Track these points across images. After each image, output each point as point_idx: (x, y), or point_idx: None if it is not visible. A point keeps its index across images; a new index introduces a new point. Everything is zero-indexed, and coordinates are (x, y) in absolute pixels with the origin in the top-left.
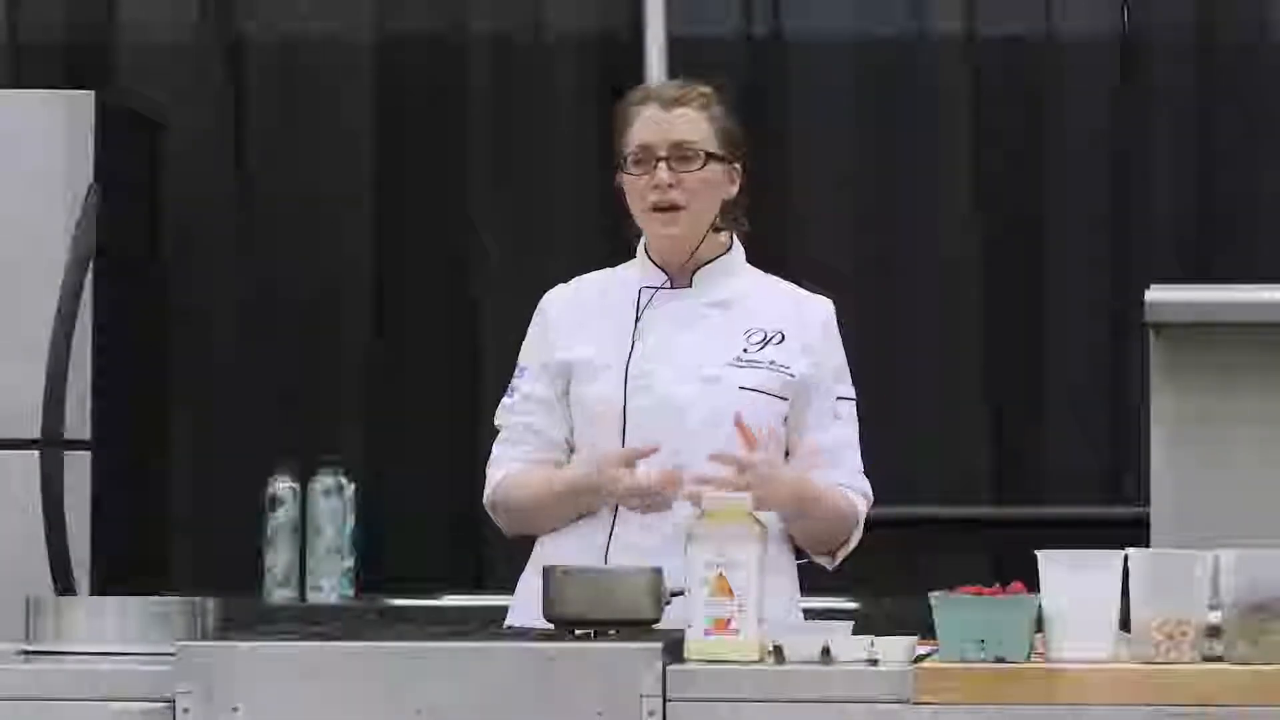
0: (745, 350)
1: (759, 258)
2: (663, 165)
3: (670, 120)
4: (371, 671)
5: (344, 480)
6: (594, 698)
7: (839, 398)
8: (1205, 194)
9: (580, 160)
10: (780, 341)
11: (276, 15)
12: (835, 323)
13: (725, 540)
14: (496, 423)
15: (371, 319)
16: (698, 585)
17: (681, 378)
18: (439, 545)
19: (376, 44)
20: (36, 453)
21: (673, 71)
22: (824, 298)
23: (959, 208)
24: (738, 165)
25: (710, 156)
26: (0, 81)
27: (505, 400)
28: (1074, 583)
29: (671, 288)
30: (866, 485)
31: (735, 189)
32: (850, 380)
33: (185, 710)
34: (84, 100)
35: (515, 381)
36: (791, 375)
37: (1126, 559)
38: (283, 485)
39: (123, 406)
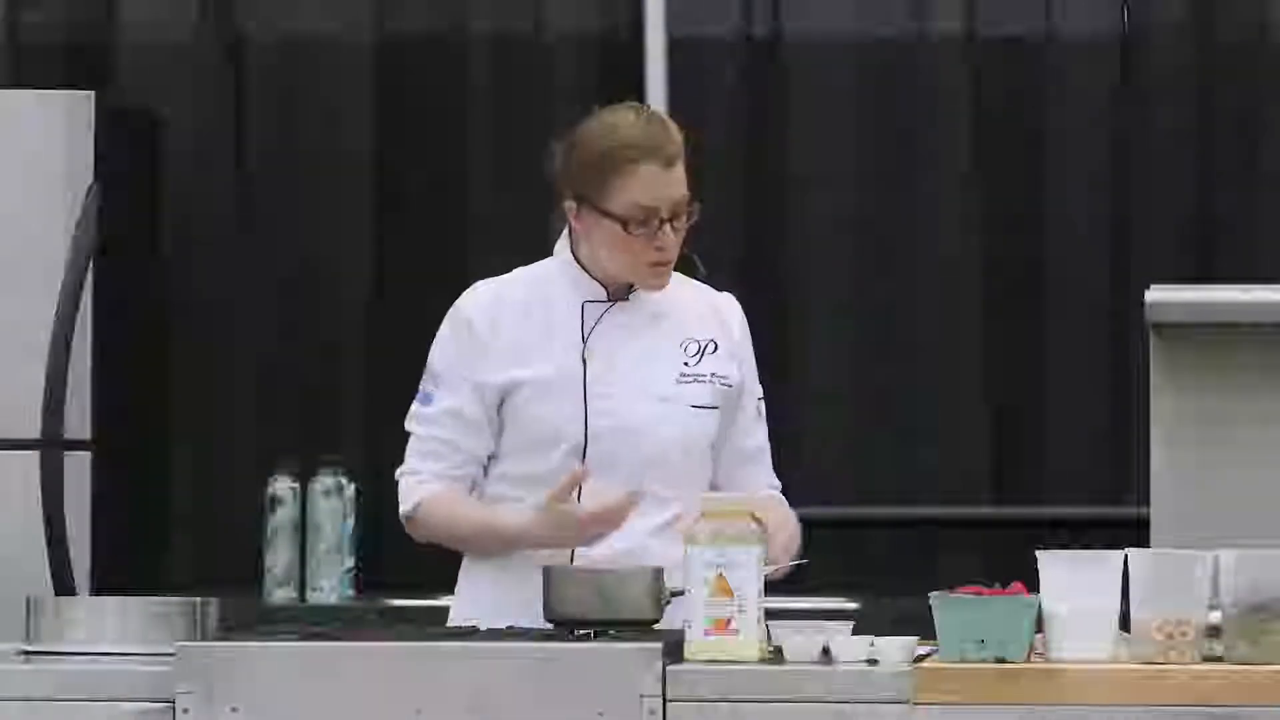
0: (686, 364)
1: (759, 258)
2: (667, 227)
3: (671, 180)
4: (371, 671)
5: (344, 480)
6: (594, 698)
7: (759, 397)
8: (1205, 194)
9: None
10: (714, 351)
11: (276, 15)
12: (744, 319)
13: (725, 540)
14: (409, 428)
15: (372, 319)
16: (698, 585)
17: (637, 397)
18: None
19: (376, 44)
20: (36, 453)
21: (673, 72)
22: (728, 294)
23: (959, 208)
24: None
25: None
26: (0, 81)
27: (420, 409)
28: (1074, 583)
29: (609, 300)
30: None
31: None
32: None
33: (185, 710)
34: (84, 100)
35: (430, 389)
36: (729, 385)
37: (1126, 559)
38: (283, 485)
39: (123, 406)
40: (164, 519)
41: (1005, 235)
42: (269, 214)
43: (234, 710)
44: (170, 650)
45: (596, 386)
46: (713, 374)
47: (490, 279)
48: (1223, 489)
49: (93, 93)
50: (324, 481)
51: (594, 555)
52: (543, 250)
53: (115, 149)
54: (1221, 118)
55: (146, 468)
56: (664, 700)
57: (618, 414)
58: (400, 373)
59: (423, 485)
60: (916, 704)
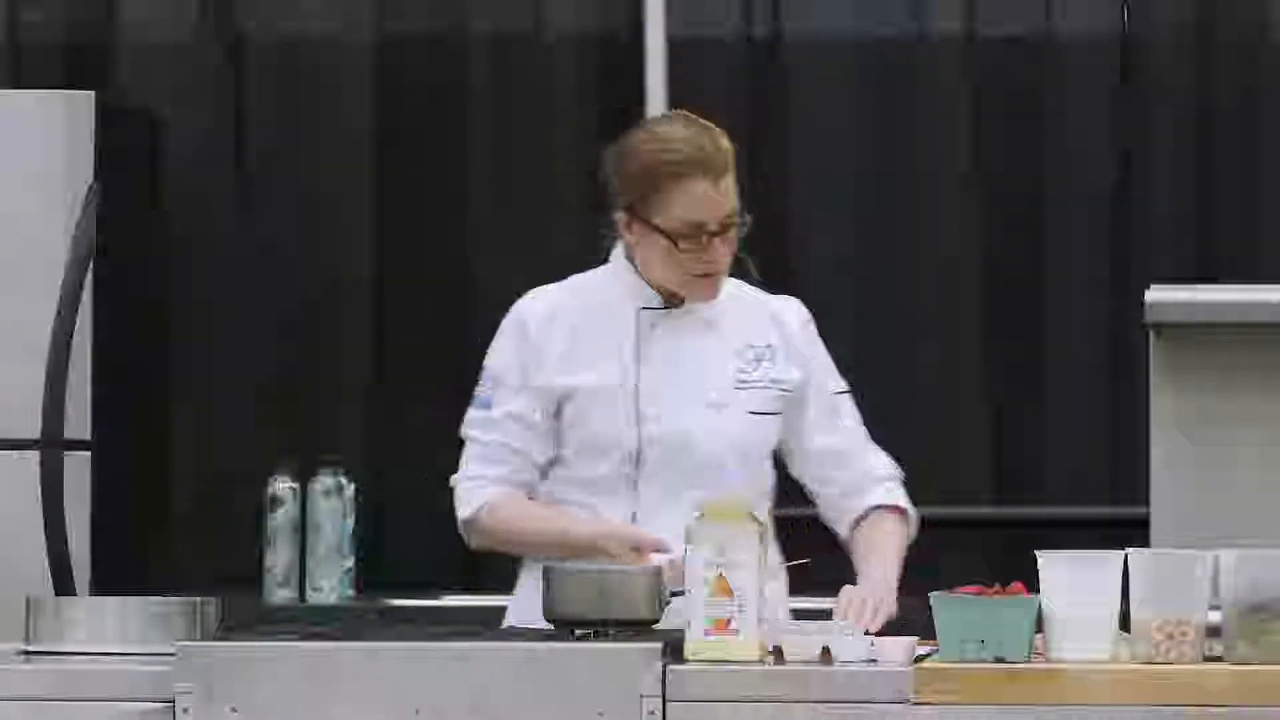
0: (744, 370)
1: (759, 258)
2: (717, 241)
3: (719, 194)
4: (371, 671)
5: (344, 480)
6: (594, 698)
7: (835, 393)
8: (1205, 194)
9: (580, 160)
10: (772, 357)
11: (276, 15)
12: (811, 320)
13: (725, 540)
14: (468, 433)
15: (371, 319)
16: (698, 585)
17: (690, 405)
18: (439, 545)
19: (376, 44)
20: (36, 453)
21: (673, 72)
22: (791, 297)
23: (959, 208)
24: None
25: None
26: (0, 81)
27: (478, 413)
28: (1074, 583)
29: (664, 306)
30: (888, 464)
31: None
32: (838, 372)
33: (185, 710)
34: (84, 100)
35: (489, 393)
36: (788, 390)
37: (1126, 559)
38: (283, 485)
39: (123, 406)
40: (164, 519)
41: (1005, 235)
42: (269, 214)
43: (234, 710)
44: (170, 650)
45: (649, 394)
46: (772, 380)
47: (547, 285)
48: (1223, 489)
49: (93, 93)
50: (324, 481)
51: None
52: (543, 250)
53: (115, 149)
54: (1221, 118)
55: (146, 468)
56: (664, 700)
57: (670, 421)
58: (400, 373)
59: (484, 490)
60: (916, 704)
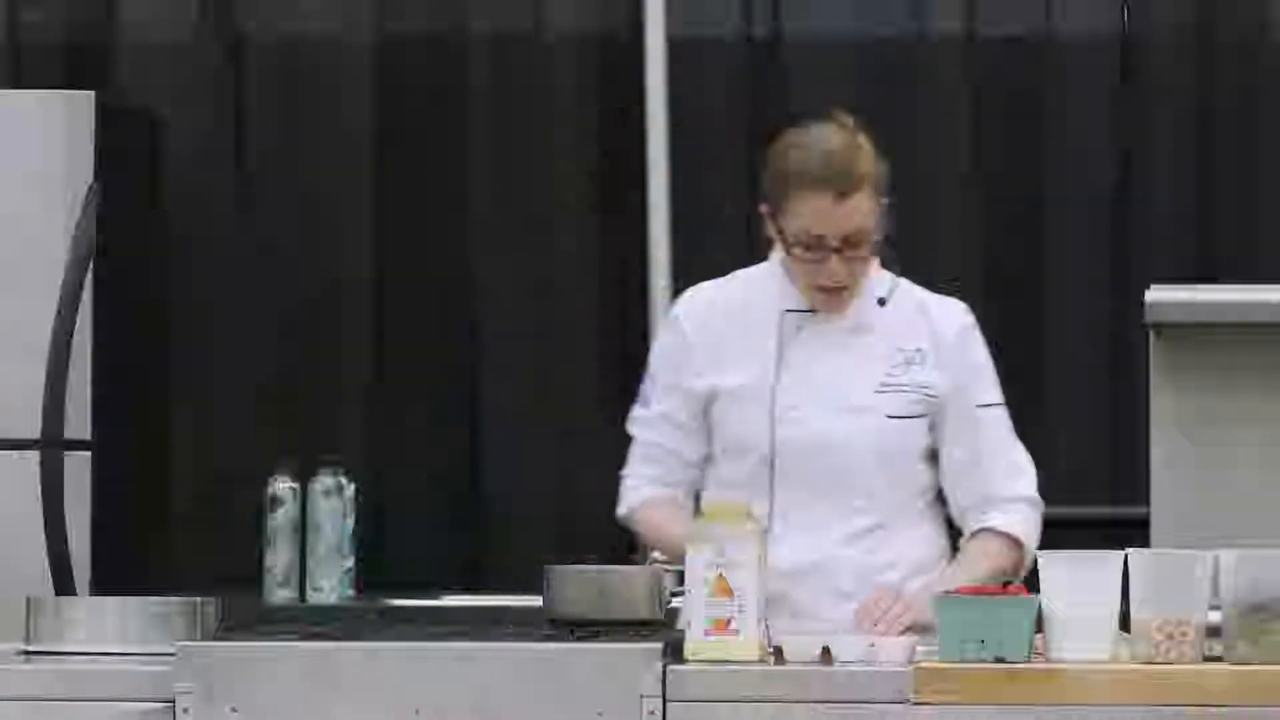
0: (889, 375)
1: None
2: (835, 257)
3: (844, 212)
4: (371, 671)
5: (344, 480)
6: (594, 698)
7: (978, 405)
8: (1205, 194)
9: (580, 160)
10: (921, 361)
11: (276, 15)
12: (973, 326)
13: (725, 540)
14: (631, 430)
15: (371, 319)
16: (698, 585)
17: (829, 409)
18: (439, 545)
19: (376, 44)
20: (36, 453)
21: (673, 72)
22: (956, 300)
23: (959, 208)
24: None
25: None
26: (0, 81)
27: (639, 410)
28: (1074, 583)
29: (811, 310)
30: (1025, 487)
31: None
32: (995, 384)
33: (185, 710)
34: (84, 100)
35: (649, 390)
36: (934, 395)
37: (1126, 559)
38: (283, 485)
39: (123, 406)
40: (164, 519)
41: (1005, 235)
42: (269, 214)
43: (234, 710)
44: (170, 650)
45: (786, 397)
46: (918, 384)
47: (710, 281)
48: (1223, 489)
49: (93, 93)
50: (324, 481)
51: (783, 568)
52: (543, 250)
53: (115, 149)
54: (1221, 118)
55: (146, 468)
56: (664, 700)
57: (805, 425)
58: (400, 372)
59: (637, 491)
60: (916, 704)
